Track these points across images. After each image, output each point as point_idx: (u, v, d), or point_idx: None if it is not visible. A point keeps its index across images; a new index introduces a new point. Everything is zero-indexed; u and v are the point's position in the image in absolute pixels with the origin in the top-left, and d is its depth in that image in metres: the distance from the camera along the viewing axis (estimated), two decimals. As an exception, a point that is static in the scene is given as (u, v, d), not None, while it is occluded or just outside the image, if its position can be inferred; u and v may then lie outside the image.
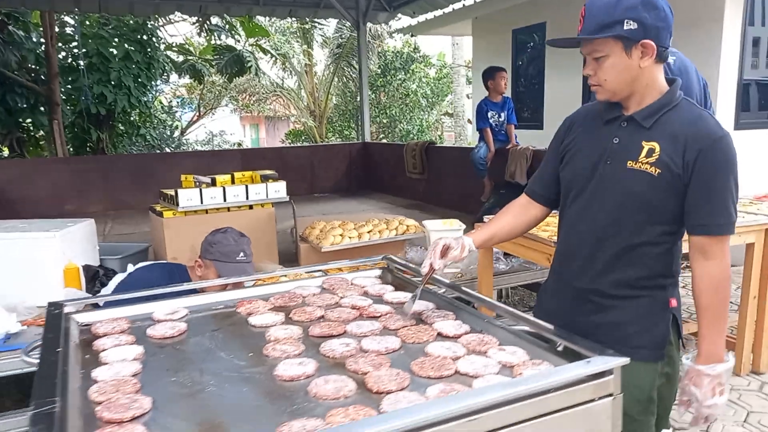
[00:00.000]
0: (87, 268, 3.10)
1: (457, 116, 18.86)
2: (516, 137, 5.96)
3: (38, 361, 1.30)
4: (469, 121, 14.60)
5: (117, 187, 8.16)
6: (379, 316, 1.68)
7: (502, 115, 5.79)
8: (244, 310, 1.74)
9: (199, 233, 3.72)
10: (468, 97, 18.19)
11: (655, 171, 1.46)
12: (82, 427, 1.09)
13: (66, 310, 1.65)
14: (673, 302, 1.59)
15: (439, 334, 1.53)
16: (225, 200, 3.74)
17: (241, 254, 2.39)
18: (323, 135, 17.32)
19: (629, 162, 1.49)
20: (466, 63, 17.36)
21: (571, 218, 1.64)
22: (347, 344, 1.46)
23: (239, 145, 19.02)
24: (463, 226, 3.79)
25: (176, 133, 15.89)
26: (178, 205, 3.57)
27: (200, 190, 3.65)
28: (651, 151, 1.47)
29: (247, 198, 3.83)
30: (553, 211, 1.79)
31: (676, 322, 1.61)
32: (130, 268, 3.16)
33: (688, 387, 1.51)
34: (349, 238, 3.80)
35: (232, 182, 3.98)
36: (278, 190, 3.96)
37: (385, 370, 1.29)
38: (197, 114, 18.50)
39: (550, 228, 2.99)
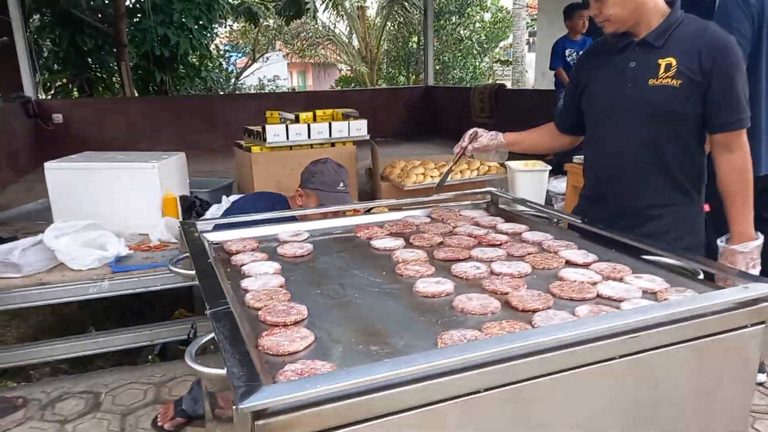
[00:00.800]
0: (184, 199, 3.25)
1: (516, 62, 18.16)
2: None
3: (194, 271, 1.39)
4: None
5: (187, 128, 8.41)
6: (500, 244, 1.70)
7: (578, 53, 5.54)
8: (364, 234, 1.79)
9: (285, 168, 3.83)
10: (528, 43, 17.43)
11: (677, 83, 1.63)
12: (249, 328, 1.17)
13: (199, 228, 1.74)
14: (707, 207, 1.81)
15: (568, 262, 1.54)
16: (309, 137, 3.79)
17: (341, 184, 2.44)
18: (374, 81, 17.08)
19: (650, 80, 1.66)
20: (528, 5, 16.56)
21: (600, 143, 1.83)
22: (477, 267, 1.49)
23: (294, 90, 19.06)
24: (548, 167, 3.73)
25: (231, 78, 16.04)
26: (265, 140, 3.65)
27: (286, 126, 3.71)
28: (668, 66, 1.64)
29: (330, 135, 3.88)
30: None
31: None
32: (225, 200, 3.30)
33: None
34: (431, 177, 3.80)
35: (314, 120, 4.02)
36: (360, 128, 3.98)
37: (525, 291, 1.32)
38: (250, 59, 18.55)
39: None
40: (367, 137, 4.07)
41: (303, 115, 3.89)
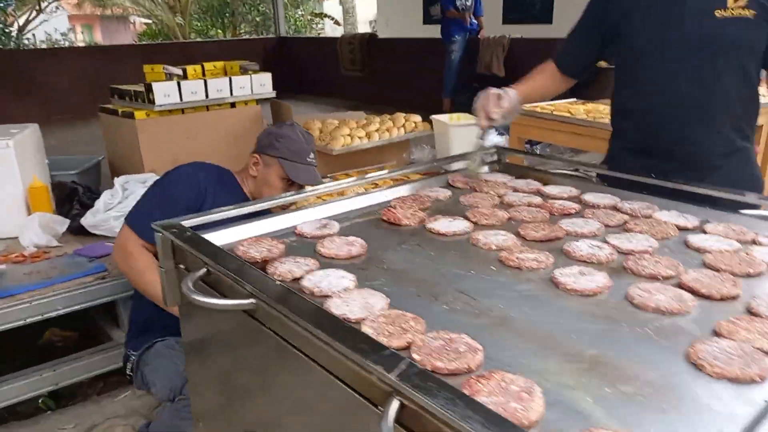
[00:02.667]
0: (59, 186, 2.49)
1: (347, 13, 17.91)
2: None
3: (254, 299, 0.93)
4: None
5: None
6: (574, 213, 1.46)
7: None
8: (394, 217, 1.42)
9: (179, 137, 3.16)
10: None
11: (750, 13, 1.47)
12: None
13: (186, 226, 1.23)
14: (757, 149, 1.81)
15: (678, 228, 1.34)
16: (207, 96, 3.15)
17: (312, 155, 2.00)
18: (187, 35, 15.59)
19: (717, 11, 1.49)
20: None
21: (649, 86, 1.65)
22: (596, 246, 1.22)
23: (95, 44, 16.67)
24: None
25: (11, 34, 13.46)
26: (153, 102, 2.94)
27: (178, 84, 3.02)
28: None
29: (231, 93, 3.26)
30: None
31: None
32: (118, 183, 2.60)
33: None
34: (359, 138, 3.42)
35: (203, 74, 3.35)
36: (264, 83, 3.42)
37: (697, 273, 1.09)
38: (34, 9, 15.69)
39: (605, 114, 2.89)
40: (273, 94, 3.52)
41: (191, 69, 3.22)
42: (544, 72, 1.84)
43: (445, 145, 3.57)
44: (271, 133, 1.97)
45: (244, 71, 3.42)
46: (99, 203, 2.46)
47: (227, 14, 16.29)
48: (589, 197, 1.57)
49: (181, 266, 1.22)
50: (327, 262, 1.19)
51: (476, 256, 1.22)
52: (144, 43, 13.56)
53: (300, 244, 1.30)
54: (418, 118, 3.78)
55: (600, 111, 3.24)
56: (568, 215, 1.46)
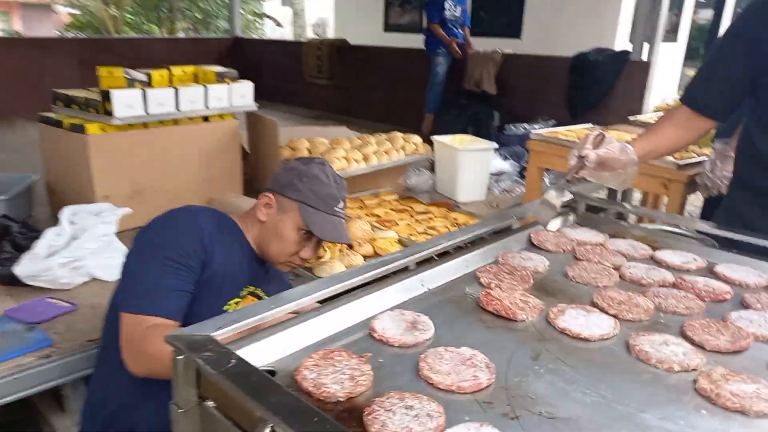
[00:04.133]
0: (-13, 222, 1.95)
1: (296, 15, 17.43)
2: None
3: None
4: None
5: None
6: (729, 298, 1.13)
7: (458, 8, 5.14)
8: (495, 304, 1.04)
9: (139, 158, 2.66)
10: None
11: None
12: None
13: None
14: None
15: None
16: (178, 108, 2.65)
17: (341, 205, 1.59)
18: (120, 29, 14.59)
19: None
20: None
21: None
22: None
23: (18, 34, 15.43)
24: (493, 144, 3.23)
25: None
26: (111, 114, 2.42)
27: (143, 93, 2.51)
28: None
29: (206, 105, 2.78)
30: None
31: None
32: (66, 218, 2.08)
33: None
34: (355, 161, 3.01)
35: (170, 81, 2.86)
36: (244, 94, 2.95)
37: None
38: None
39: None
40: (254, 107, 3.06)
41: (156, 75, 2.72)
42: (674, 117, 1.53)
43: (450, 171, 3.21)
44: (294, 169, 1.54)
45: (221, 79, 2.95)
46: (39, 245, 1.93)
47: (164, 9, 15.41)
48: (727, 271, 1.25)
49: (210, 403, 0.79)
50: (447, 399, 0.79)
51: (661, 387, 0.85)
52: (84, 37, 12.58)
53: (388, 359, 0.89)
54: (417, 139, 3.41)
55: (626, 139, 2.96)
56: (721, 301, 1.12)
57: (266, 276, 1.62)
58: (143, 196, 2.68)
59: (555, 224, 1.55)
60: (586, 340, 0.96)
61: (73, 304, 1.90)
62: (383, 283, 1.11)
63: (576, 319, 1.01)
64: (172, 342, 0.79)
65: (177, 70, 2.92)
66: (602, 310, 1.05)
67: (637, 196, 3.95)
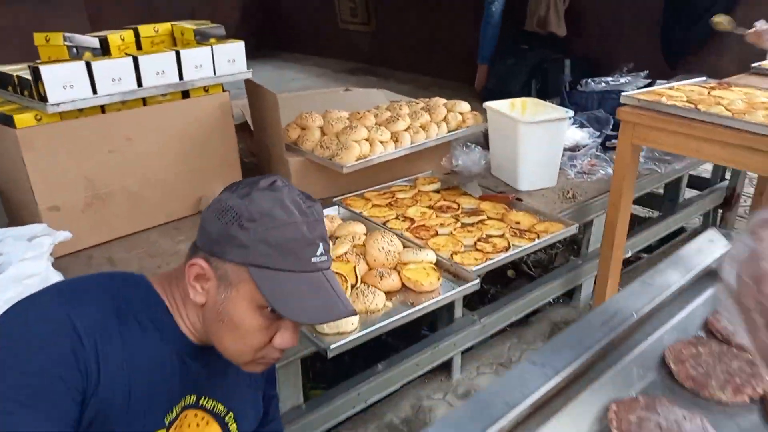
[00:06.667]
0: None
1: None
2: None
3: None
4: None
5: None
6: None
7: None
8: None
9: (94, 158, 2.10)
10: None
11: None
12: None
13: None
14: None
15: None
16: (140, 84, 2.08)
17: (319, 248, 0.97)
18: None
19: None
20: None
21: None
22: None
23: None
24: (569, 112, 2.50)
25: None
26: (45, 100, 1.87)
27: (88, 66, 1.94)
28: None
29: (180, 77, 2.19)
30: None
31: None
32: None
33: None
34: (381, 143, 2.36)
35: (138, 47, 2.28)
36: (234, 57, 2.34)
37: None
38: None
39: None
40: (248, 74, 2.44)
41: (114, 39, 2.14)
42: None
43: (509, 151, 2.52)
44: (228, 210, 0.93)
45: (202, 39, 2.34)
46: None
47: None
48: None
49: None
50: None
51: None
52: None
53: None
54: (465, 106, 2.71)
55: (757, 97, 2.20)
56: None
57: (210, 374, 1.06)
58: (105, 203, 2.15)
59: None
60: None
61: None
62: None
63: None
64: None
65: (145, 30, 2.32)
66: None
67: None
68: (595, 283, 2.65)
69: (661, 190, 3.26)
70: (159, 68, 2.13)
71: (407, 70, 6.01)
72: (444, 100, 2.76)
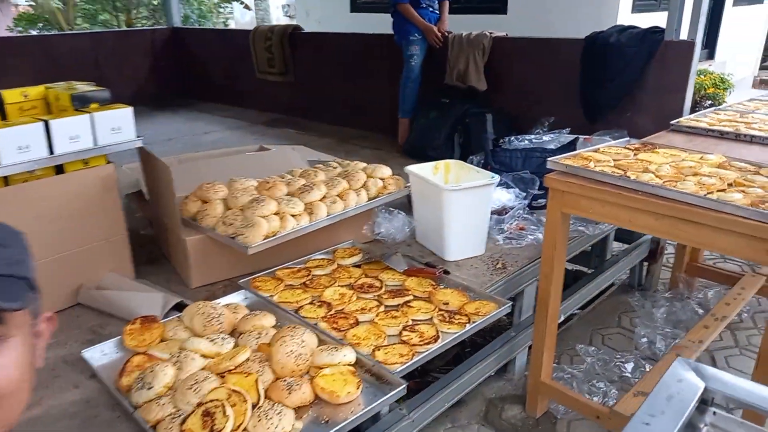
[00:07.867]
0: None
1: None
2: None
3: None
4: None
5: None
6: None
7: (433, -20, 4.24)
8: None
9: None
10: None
11: None
12: None
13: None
14: None
15: None
16: (-2, 161, 1.75)
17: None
18: (71, 21, 13.52)
19: None
20: None
21: None
22: None
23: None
24: (495, 177, 2.35)
25: None
26: None
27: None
28: None
29: (50, 150, 1.88)
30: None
31: None
32: None
33: None
34: (293, 217, 2.12)
35: (2, 117, 1.96)
36: (119, 126, 2.05)
37: None
38: None
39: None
40: (138, 142, 2.16)
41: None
42: None
43: (434, 219, 2.34)
44: None
45: (80, 105, 2.04)
46: None
47: (119, -4, 14.25)
48: None
49: None
50: None
51: None
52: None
53: None
54: (386, 171, 2.52)
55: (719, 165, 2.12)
56: None
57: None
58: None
59: None
60: None
61: None
62: None
63: None
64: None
65: (12, 96, 2.00)
66: None
67: None
68: (529, 353, 2.48)
69: (589, 247, 3.19)
70: (23, 142, 1.82)
71: (328, 122, 5.84)
72: (363, 164, 2.57)
